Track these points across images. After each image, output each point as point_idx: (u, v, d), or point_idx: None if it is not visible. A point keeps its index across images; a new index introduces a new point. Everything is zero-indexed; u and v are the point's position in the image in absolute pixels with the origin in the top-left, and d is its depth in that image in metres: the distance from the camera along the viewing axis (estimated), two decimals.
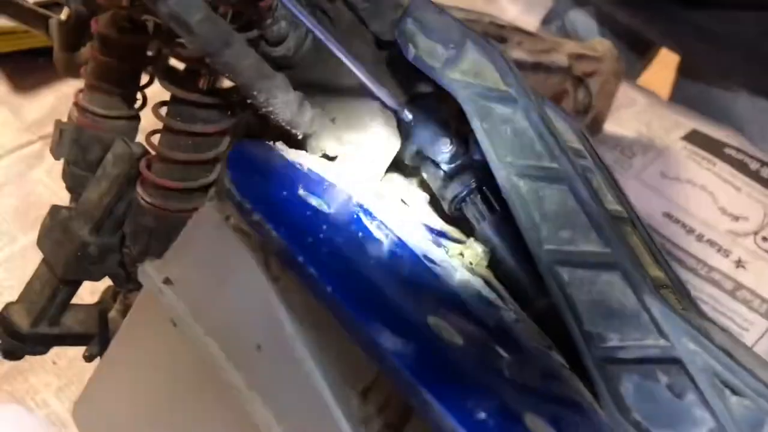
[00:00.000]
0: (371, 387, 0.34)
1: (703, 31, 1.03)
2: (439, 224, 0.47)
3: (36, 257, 0.52)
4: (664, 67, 1.26)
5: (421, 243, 0.42)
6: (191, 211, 0.43)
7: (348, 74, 0.42)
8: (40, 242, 0.50)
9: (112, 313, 0.56)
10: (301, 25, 0.43)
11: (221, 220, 0.39)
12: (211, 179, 0.46)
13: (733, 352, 0.37)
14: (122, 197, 0.48)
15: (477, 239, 0.45)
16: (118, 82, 0.50)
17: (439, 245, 0.44)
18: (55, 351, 0.56)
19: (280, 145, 0.43)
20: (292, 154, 0.43)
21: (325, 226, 0.36)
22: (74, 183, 0.52)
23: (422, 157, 0.46)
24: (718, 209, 1.00)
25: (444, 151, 0.45)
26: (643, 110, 1.15)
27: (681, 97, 1.20)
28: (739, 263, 0.95)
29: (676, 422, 0.36)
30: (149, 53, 0.51)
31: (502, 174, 0.40)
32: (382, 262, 0.38)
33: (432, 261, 0.41)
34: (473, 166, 0.45)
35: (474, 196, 0.45)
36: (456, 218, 0.47)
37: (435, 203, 0.48)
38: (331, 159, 0.45)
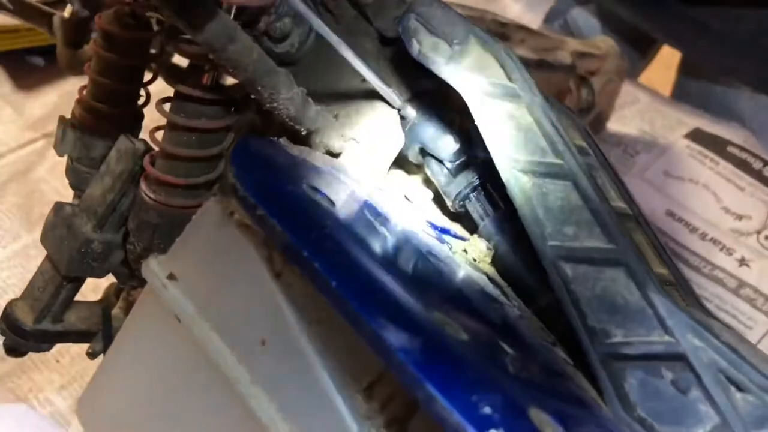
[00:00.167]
0: (376, 382, 0.34)
1: (705, 28, 1.03)
2: (443, 221, 0.47)
3: (39, 254, 0.52)
4: (665, 64, 1.26)
5: (425, 239, 0.42)
6: (195, 207, 0.43)
7: (351, 71, 0.42)
8: (44, 239, 0.50)
9: (115, 310, 0.56)
10: (305, 21, 0.43)
11: (225, 215, 0.39)
12: (215, 175, 0.46)
13: (737, 349, 0.37)
14: (126, 194, 0.48)
15: (481, 236, 0.45)
16: (122, 79, 0.50)
17: (442, 242, 0.44)
18: (58, 348, 0.56)
19: (284, 141, 0.43)
20: (296, 150, 0.43)
21: (329, 222, 0.36)
22: (78, 180, 0.52)
23: (426, 153, 0.46)
24: (721, 208, 1.00)
25: (448, 147, 0.45)
26: (646, 108, 1.15)
27: (683, 94, 1.20)
28: (742, 261, 0.95)
29: (680, 418, 0.36)
30: (152, 50, 0.51)
31: (505, 170, 0.40)
32: (386, 257, 0.38)
33: (436, 257, 0.41)
34: (477, 163, 0.45)
35: (478, 192, 0.45)
36: (460, 215, 0.47)
37: (439, 200, 0.48)
38: (335, 155, 0.45)
